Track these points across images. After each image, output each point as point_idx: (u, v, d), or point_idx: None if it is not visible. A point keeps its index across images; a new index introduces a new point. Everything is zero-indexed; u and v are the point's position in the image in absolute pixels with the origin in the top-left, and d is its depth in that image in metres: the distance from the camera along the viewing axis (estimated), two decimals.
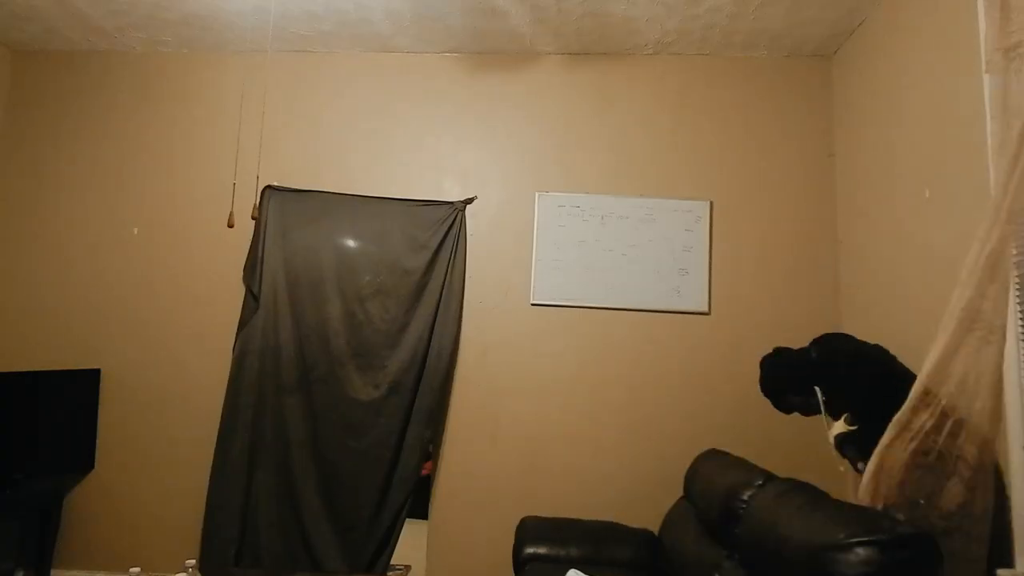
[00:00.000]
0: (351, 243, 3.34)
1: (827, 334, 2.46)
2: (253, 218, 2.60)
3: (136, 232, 3.49)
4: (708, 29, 3.14)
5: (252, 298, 3.30)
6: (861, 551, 1.43)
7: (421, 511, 3.32)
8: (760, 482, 2.10)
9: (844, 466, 2.47)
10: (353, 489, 3.12)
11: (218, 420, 3.22)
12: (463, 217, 3.34)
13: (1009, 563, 1.77)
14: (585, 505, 3.13)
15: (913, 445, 1.78)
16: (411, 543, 3.33)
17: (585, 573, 2.30)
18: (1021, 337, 1.84)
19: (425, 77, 3.49)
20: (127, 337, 3.41)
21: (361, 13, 3.13)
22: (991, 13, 1.91)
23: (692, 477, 2.77)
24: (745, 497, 2.08)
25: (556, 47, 3.38)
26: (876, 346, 2.36)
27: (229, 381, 3.23)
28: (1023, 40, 1.77)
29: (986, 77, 2.01)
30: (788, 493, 1.89)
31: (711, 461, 2.67)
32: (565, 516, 3.10)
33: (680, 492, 2.96)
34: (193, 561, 1.93)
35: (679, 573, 2.35)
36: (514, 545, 2.76)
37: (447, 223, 3.32)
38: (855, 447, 2.16)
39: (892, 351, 2.65)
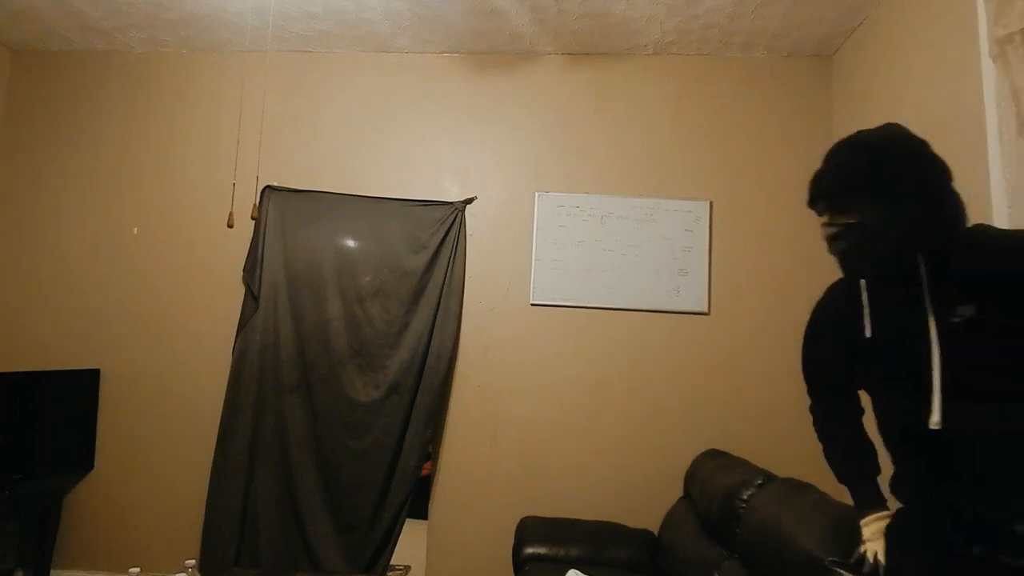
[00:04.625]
0: (351, 243, 3.34)
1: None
2: (253, 218, 2.60)
3: (136, 232, 3.49)
4: (708, 29, 3.14)
5: (252, 298, 3.29)
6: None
7: (421, 511, 3.32)
8: (760, 482, 2.10)
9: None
10: (353, 489, 3.12)
11: (218, 420, 3.22)
12: (463, 217, 3.34)
13: None
14: (585, 505, 3.13)
15: None
16: (411, 543, 3.33)
17: (585, 573, 2.30)
18: None
19: (425, 77, 3.49)
20: (127, 337, 3.41)
21: (361, 13, 3.13)
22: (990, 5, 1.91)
23: (692, 477, 2.77)
24: (745, 497, 2.09)
25: (555, 47, 3.38)
26: None
27: (229, 381, 3.23)
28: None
29: (985, 71, 2.01)
30: (788, 493, 1.89)
31: (711, 461, 2.67)
32: (565, 516, 3.10)
33: (680, 492, 2.96)
34: (193, 561, 1.93)
35: (679, 573, 2.35)
36: (514, 545, 2.76)
37: (447, 223, 3.32)
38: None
39: None
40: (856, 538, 1.43)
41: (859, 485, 1.45)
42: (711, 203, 3.28)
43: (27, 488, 3.09)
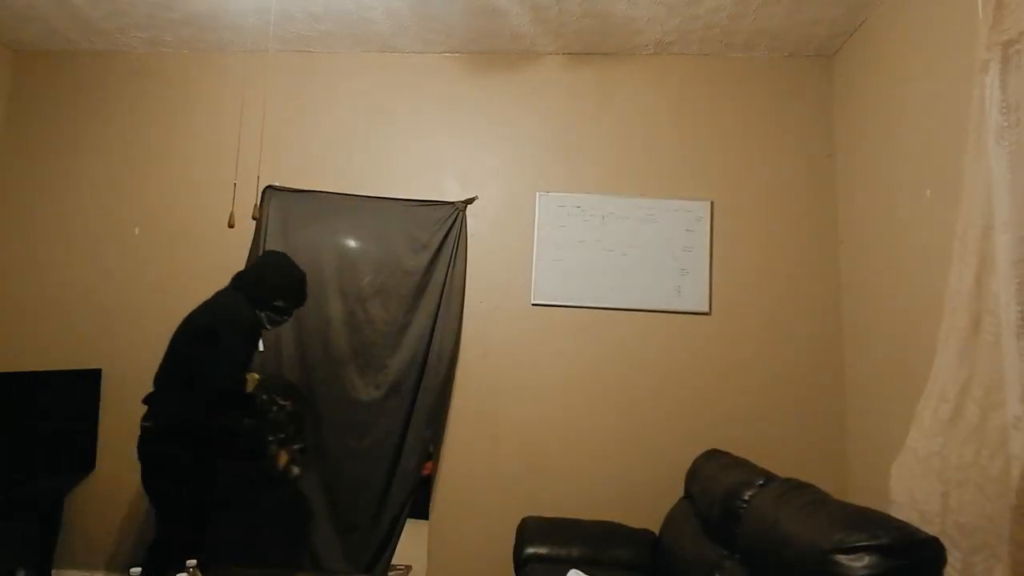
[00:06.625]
0: (352, 243, 3.34)
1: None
2: (254, 218, 2.60)
3: (137, 232, 3.49)
4: (709, 29, 3.14)
5: None
6: (865, 553, 1.43)
7: (422, 511, 3.32)
8: (760, 482, 2.10)
9: None
10: (354, 489, 3.12)
11: None
12: (464, 217, 3.34)
13: None
14: (586, 505, 3.13)
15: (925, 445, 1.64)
16: (412, 543, 3.33)
17: (586, 573, 2.30)
18: None
19: (425, 77, 3.49)
20: (128, 337, 3.41)
21: (362, 13, 3.13)
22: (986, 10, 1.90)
23: (693, 477, 2.77)
24: (746, 497, 2.08)
25: (556, 47, 3.38)
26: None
27: None
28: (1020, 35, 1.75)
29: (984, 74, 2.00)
30: (789, 493, 1.89)
31: (712, 461, 2.67)
32: (566, 516, 3.09)
33: (681, 492, 2.96)
34: (194, 561, 1.93)
35: (680, 573, 2.35)
36: (515, 545, 2.76)
37: (448, 223, 3.32)
38: None
39: (894, 351, 2.65)
40: (858, 533, 1.43)
41: None
42: (712, 203, 3.28)
43: (27, 488, 3.09)
